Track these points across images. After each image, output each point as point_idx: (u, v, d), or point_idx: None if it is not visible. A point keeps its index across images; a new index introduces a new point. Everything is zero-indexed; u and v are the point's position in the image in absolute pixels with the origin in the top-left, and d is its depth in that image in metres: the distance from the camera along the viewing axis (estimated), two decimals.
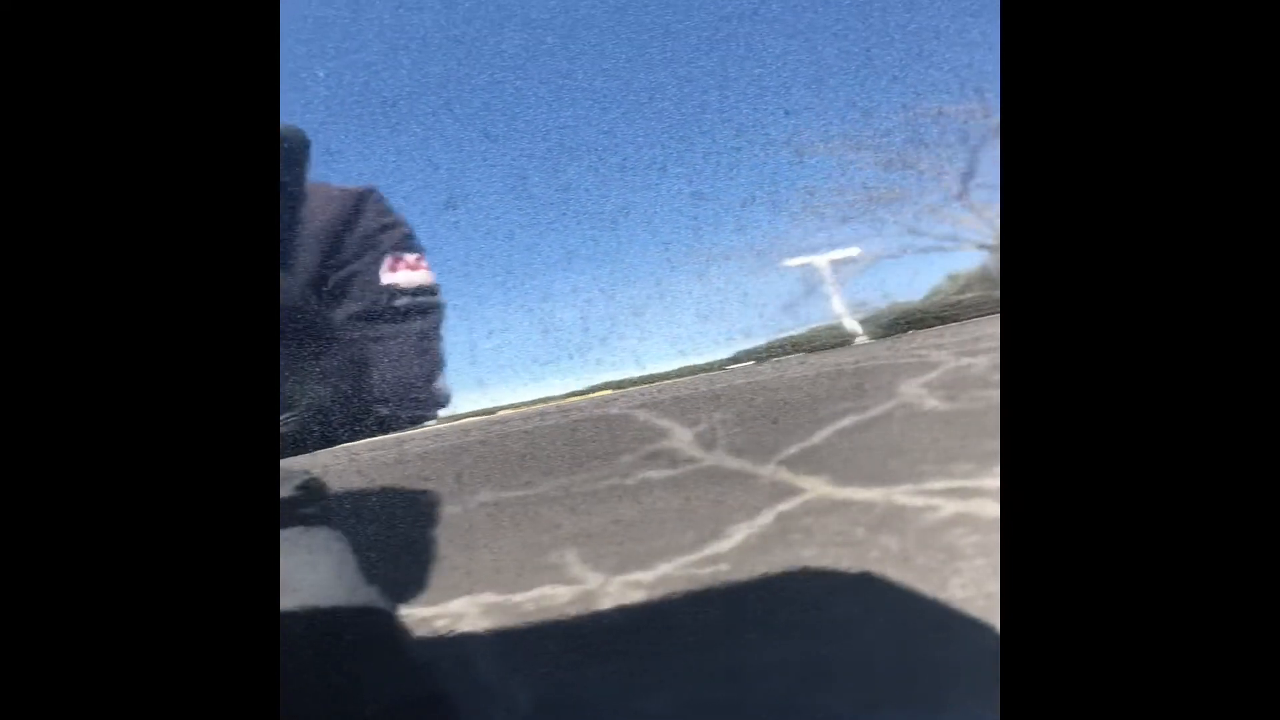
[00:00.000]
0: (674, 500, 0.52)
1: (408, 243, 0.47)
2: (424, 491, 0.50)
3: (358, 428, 0.47)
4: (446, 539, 0.51)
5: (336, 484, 0.49)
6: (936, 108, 0.52)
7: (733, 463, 0.53)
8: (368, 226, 0.46)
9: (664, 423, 0.52)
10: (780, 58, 0.50)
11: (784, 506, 0.53)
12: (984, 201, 0.52)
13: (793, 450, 0.53)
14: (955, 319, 0.53)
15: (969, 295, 0.53)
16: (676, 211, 0.49)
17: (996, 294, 0.52)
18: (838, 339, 0.52)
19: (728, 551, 0.53)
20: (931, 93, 0.52)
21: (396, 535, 0.51)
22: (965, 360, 0.54)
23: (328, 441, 0.47)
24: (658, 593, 0.52)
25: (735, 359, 0.51)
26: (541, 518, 0.51)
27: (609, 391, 0.49)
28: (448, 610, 0.51)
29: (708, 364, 0.50)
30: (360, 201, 0.46)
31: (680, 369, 0.50)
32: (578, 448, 0.51)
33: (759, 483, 0.53)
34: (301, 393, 0.46)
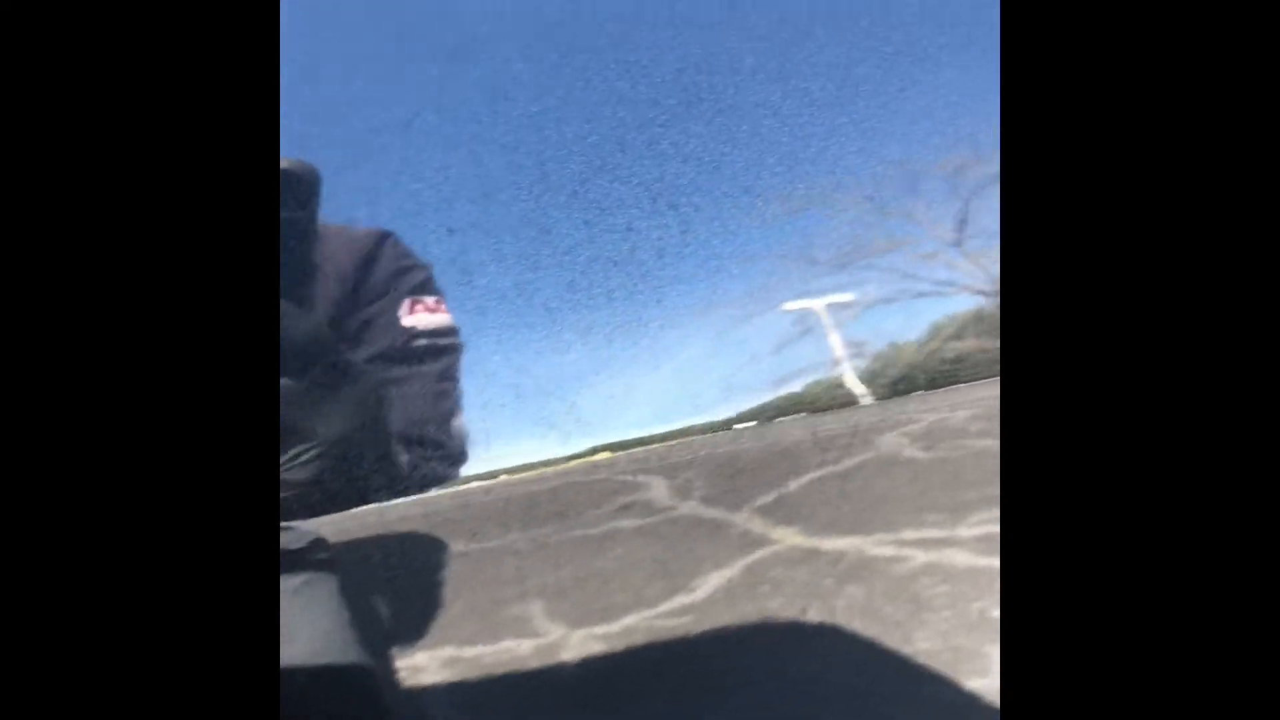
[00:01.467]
0: (645, 551, 0.51)
1: (427, 285, 0.46)
2: (389, 544, 0.48)
3: (377, 472, 0.45)
4: (409, 591, 0.49)
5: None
6: (625, 223, 0.49)
7: (706, 512, 0.52)
8: (387, 269, 0.45)
9: (642, 478, 0.51)
10: (440, 171, 0.46)
11: (753, 557, 0.52)
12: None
13: (767, 499, 0.52)
14: (947, 384, 0.53)
15: (963, 344, 0.53)
16: None
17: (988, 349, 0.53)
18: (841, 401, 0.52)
19: (694, 604, 0.50)
20: (617, 208, 0.49)
21: (357, 588, 0.48)
22: (944, 413, 0.55)
23: (343, 503, 0.46)
24: (621, 645, 0.50)
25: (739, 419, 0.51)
26: (508, 569, 0.49)
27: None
28: (409, 663, 0.48)
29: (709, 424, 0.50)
30: (380, 244, 0.45)
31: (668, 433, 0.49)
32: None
33: (730, 533, 0.52)
34: (322, 436, 0.45)
